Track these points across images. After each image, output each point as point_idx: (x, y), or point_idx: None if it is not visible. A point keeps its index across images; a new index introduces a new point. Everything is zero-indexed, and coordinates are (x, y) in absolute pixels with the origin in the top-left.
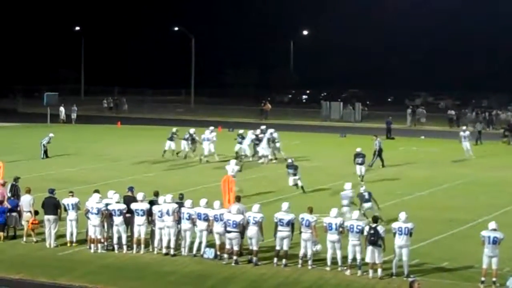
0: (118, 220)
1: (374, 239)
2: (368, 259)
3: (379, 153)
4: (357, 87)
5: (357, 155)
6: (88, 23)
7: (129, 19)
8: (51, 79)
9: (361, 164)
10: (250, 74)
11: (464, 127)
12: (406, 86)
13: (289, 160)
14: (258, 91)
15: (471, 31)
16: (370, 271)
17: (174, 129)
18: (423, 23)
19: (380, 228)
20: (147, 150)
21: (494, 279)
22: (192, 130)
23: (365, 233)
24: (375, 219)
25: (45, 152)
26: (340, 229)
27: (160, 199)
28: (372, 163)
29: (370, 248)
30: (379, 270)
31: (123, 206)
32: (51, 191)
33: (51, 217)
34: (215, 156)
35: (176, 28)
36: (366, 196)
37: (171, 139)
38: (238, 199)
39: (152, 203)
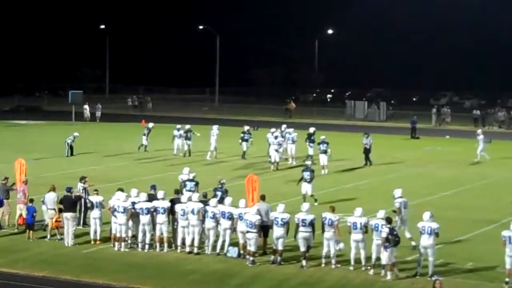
0: (145, 219)
1: (398, 240)
2: (386, 261)
3: (366, 151)
4: (382, 86)
5: (305, 169)
6: (113, 22)
7: (154, 17)
8: (76, 77)
9: (309, 181)
10: (275, 73)
11: (479, 130)
12: (431, 85)
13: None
14: (282, 90)
15: (497, 30)
16: (389, 273)
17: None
18: (448, 22)
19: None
20: (171, 149)
21: (506, 279)
22: (187, 126)
23: (384, 234)
24: (389, 220)
25: (71, 149)
26: (364, 229)
27: (183, 197)
28: (368, 161)
29: (391, 249)
30: (389, 273)
31: (150, 205)
32: (68, 189)
33: (69, 214)
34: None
35: (201, 27)
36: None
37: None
38: (263, 198)
39: (173, 201)
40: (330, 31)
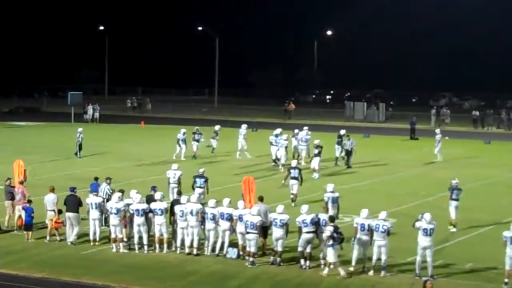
0: (139, 220)
1: (343, 238)
2: (333, 259)
3: (348, 153)
4: (381, 87)
5: (292, 168)
6: (112, 23)
7: (153, 18)
8: (75, 78)
9: (296, 178)
10: (274, 74)
11: (438, 130)
12: (431, 86)
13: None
14: (282, 91)
15: (497, 31)
16: (340, 269)
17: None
18: (448, 22)
19: None
20: (171, 150)
21: (506, 280)
22: (217, 127)
23: (329, 233)
24: (332, 218)
25: (79, 148)
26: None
27: (183, 198)
28: (347, 164)
29: (336, 247)
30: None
31: (145, 206)
32: (72, 189)
33: (71, 214)
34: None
35: (200, 28)
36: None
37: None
38: (261, 199)
39: (173, 202)
40: (329, 32)
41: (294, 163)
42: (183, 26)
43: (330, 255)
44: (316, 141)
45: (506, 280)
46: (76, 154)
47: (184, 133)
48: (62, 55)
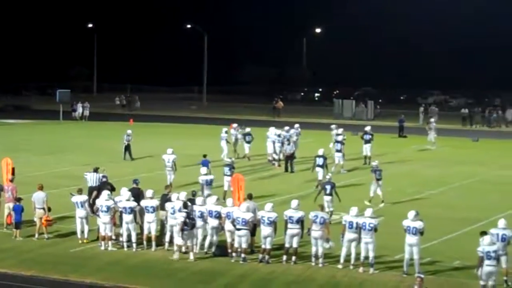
0: (128, 218)
1: (194, 223)
2: (181, 243)
3: (290, 157)
4: (369, 85)
5: (318, 156)
6: (101, 20)
7: (142, 16)
8: (64, 76)
9: (321, 166)
10: (263, 72)
11: (340, 129)
12: (419, 84)
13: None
14: (270, 89)
15: (486, 29)
16: (177, 253)
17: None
18: (436, 21)
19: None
20: (159, 148)
21: (505, 277)
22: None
23: (182, 219)
24: (185, 205)
25: (127, 150)
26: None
27: (173, 196)
28: (291, 168)
29: (189, 232)
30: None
31: (133, 204)
32: (135, 181)
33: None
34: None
35: (189, 25)
36: (328, 191)
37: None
38: (249, 197)
39: (166, 200)
40: (318, 30)
41: (321, 151)
42: (172, 23)
43: (178, 238)
44: (340, 137)
45: (505, 278)
46: (130, 156)
47: (226, 132)
48: (50, 53)
